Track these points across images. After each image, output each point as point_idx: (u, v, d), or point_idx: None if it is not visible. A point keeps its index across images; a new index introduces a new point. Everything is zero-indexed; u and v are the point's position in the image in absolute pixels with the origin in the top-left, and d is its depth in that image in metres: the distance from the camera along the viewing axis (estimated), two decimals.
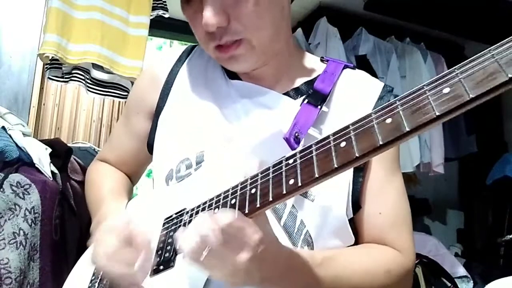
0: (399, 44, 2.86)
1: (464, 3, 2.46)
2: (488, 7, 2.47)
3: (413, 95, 0.39)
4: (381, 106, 0.41)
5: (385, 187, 0.69)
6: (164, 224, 0.62)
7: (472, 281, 2.42)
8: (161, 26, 2.55)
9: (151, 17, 2.00)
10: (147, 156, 0.81)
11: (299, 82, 0.73)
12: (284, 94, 0.71)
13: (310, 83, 0.72)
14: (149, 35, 1.98)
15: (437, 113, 0.36)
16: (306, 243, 0.63)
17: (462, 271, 2.43)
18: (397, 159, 0.72)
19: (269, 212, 0.62)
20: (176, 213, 0.61)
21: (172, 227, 0.60)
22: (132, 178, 0.88)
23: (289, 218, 0.63)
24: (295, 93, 0.72)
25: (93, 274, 0.70)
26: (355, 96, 0.70)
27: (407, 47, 2.85)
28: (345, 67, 0.73)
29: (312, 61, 0.77)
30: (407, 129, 0.38)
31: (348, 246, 0.67)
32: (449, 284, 2.36)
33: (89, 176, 0.87)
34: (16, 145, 1.35)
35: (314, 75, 0.74)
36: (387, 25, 2.86)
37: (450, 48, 3.09)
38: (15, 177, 1.26)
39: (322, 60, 0.77)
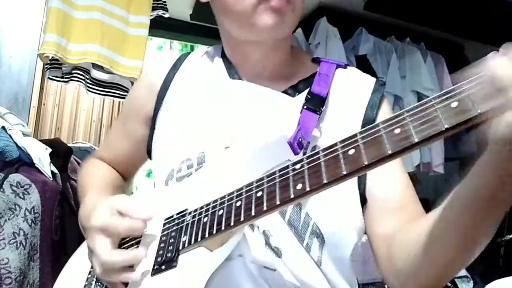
0: (399, 44, 2.86)
1: (464, 3, 2.46)
2: (488, 7, 2.47)
3: (421, 107, 0.40)
4: (388, 117, 0.43)
5: (387, 169, 0.69)
6: (164, 224, 0.62)
7: (472, 281, 2.42)
8: (161, 26, 2.56)
9: (151, 17, 2.00)
10: (141, 158, 0.84)
11: (295, 79, 0.75)
12: (283, 92, 0.73)
13: (306, 81, 0.74)
14: (149, 35, 1.98)
15: (446, 126, 0.38)
16: (315, 235, 0.63)
17: (462, 271, 2.43)
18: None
19: None
20: (177, 214, 0.61)
21: (173, 228, 0.60)
22: (125, 176, 0.91)
23: (293, 212, 0.64)
24: (293, 90, 0.73)
25: (89, 272, 0.70)
26: (350, 94, 0.72)
27: (407, 47, 2.85)
28: (337, 67, 0.75)
29: (305, 59, 0.79)
30: (416, 140, 0.39)
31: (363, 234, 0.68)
32: (449, 284, 2.36)
33: (80, 171, 0.90)
34: (16, 145, 1.35)
35: (308, 74, 0.75)
36: (387, 25, 2.86)
37: (450, 48, 3.08)
38: (15, 177, 1.26)
39: (313, 60, 0.79)
